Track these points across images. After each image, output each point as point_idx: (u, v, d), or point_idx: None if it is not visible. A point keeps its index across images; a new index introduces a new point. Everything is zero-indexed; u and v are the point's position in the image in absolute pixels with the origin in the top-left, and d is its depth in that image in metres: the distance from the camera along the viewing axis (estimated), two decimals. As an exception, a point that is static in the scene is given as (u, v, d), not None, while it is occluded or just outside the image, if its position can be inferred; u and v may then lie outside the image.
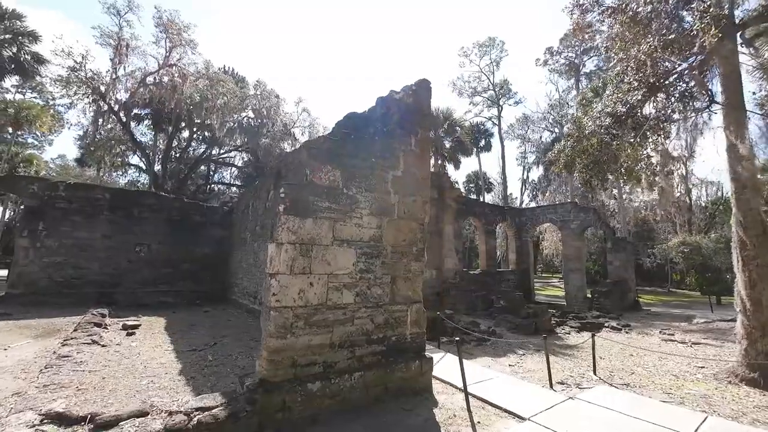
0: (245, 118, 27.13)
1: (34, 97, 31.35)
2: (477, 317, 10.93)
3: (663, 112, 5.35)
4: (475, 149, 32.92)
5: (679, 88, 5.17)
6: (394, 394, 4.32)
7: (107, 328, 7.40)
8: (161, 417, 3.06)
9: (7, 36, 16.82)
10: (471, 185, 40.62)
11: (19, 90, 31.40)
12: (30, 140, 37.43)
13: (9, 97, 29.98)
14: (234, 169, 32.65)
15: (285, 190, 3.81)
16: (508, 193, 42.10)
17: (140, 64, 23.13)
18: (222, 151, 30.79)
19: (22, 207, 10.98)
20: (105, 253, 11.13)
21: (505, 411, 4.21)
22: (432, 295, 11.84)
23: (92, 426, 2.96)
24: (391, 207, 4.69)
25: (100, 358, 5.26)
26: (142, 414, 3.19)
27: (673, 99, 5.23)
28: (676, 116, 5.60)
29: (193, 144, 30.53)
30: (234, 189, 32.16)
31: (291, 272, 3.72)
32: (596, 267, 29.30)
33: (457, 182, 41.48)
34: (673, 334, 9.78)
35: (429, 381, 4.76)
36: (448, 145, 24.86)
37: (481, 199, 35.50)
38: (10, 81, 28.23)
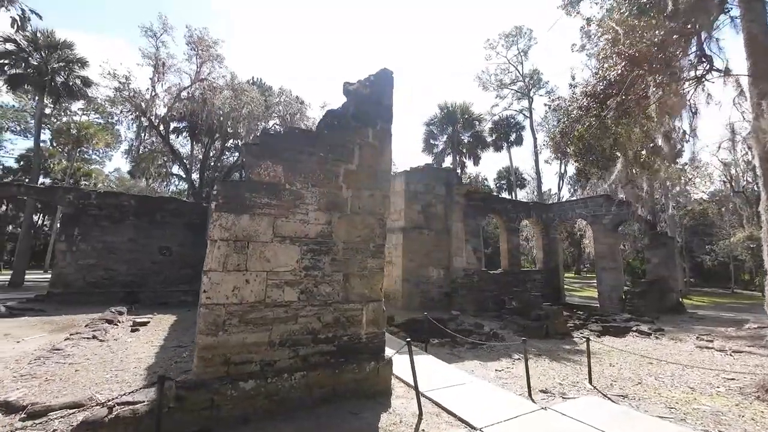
0: (272, 126, 28.24)
1: (96, 118, 35.09)
2: (485, 319, 10.36)
3: (648, 86, 4.63)
4: (505, 144, 31.52)
5: (674, 57, 4.44)
6: (344, 396, 4.15)
7: (117, 325, 7.95)
8: (89, 410, 3.16)
9: (60, 64, 18.89)
10: (502, 181, 38.94)
11: (85, 112, 35.29)
12: (93, 156, 41.78)
13: (76, 118, 33.90)
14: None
15: (218, 188, 3.82)
16: (544, 189, 39.92)
17: (176, 81, 24.93)
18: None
19: (60, 215, 12.19)
20: (131, 256, 12.06)
21: (459, 419, 3.87)
22: (440, 295, 11.45)
23: (25, 415, 3.12)
24: (344, 202, 4.53)
25: (89, 352, 5.63)
26: (76, 406, 3.32)
27: (660, 75, 4.49)
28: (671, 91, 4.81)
29: (226, 153, 32.37)
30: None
31: (224, 269, 3.70)
32: (643, 265, 26.76)
33: (485, 178, 40.06)
34: (711, 341, 8.58)
35: (387, 384, 4.52)
36: (465, 140, 23.97)
37: (513, 196, 33.93)
38: (77, 105, 31.98)
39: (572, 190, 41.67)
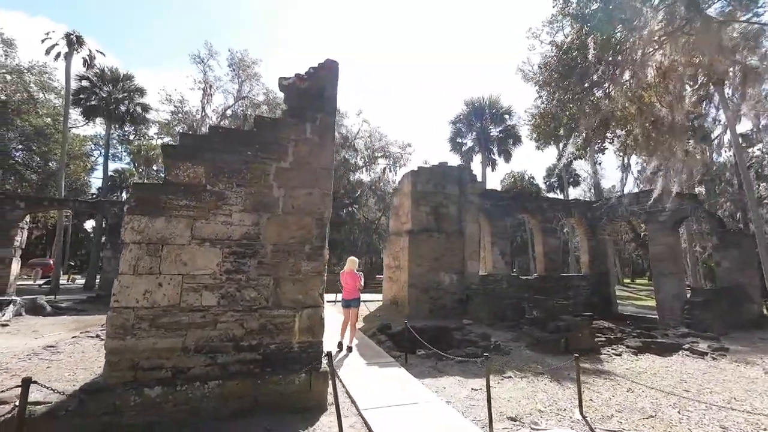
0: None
1: (169, 139, 39.68)
2: (498, 329, 9.34)
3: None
4: (552, 138, 28.99)
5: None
6: (268, 408, 3.86)
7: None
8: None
9: (123, 94, 21.61)
10: (552, 179, 35.86)
11: (159, 136, 40.15)
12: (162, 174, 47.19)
13: (153, 142, 38.69)
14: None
15: (132, 190, 3.82)
16: (606, 186, 36.08)
17: (221, 101, 27.21)
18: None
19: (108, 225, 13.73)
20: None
21: (379, 446, 3.36)
22: (453, 302, 10.66)
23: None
24: (275, 202, 4.30)
25: (80, 349, 6.07)
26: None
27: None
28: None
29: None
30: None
31: (134, 272, 3.67)
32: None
33: (531, 177, 37.19)
34: (790, 367, 6.70)
35: (321, 398, 4.14)
36: (495, 136, 22.37)
37: (565, 195, 31.00)
38: (153, 129, 36.45)
39: (639, 186, 36.95)
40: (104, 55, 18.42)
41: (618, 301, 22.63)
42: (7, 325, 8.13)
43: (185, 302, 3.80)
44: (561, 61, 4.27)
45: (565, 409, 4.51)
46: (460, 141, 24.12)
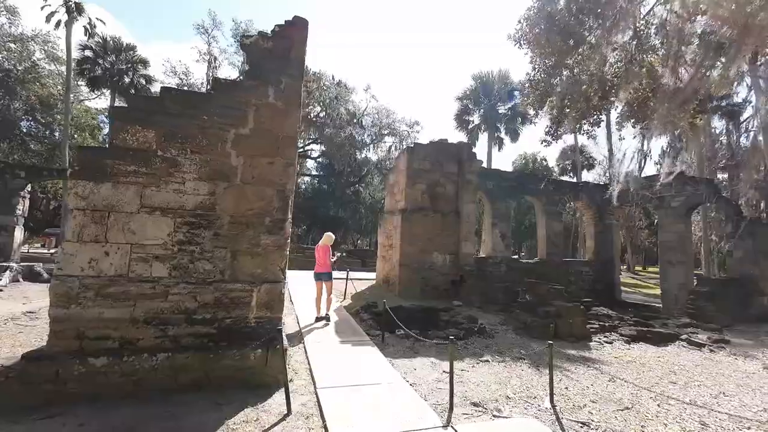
0: (314, 111, 28.74)
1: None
2: (488, 312, 9.12)
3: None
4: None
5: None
6: (221, 383, 3.76)
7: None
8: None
9: (127, 65, 21.37)
10: (567, 162, 34.60)
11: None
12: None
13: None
14: (311, 161, 35.17)
15: (75, 154, 3.61)
16: (625, 170, 34.60)
17: (227, 73, 26.71)
18: (300, 145, 33.51)
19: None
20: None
21: (324, 427, 3.22)
22: (445, 283, 10.44)
23: None
24: (232, 171, 4.05)
25: (60, 316, 6.12)
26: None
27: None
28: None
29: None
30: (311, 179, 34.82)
31: (79, 240, 3.52)
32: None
33: (544, 158, 35.95)
34: (794, 363, 6.31)
35: (279, 375, 4.00)
36: (502, 114, 21.38)
37: (578, 179, 29.91)
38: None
39: (657, 170, 35.33)
40: (104, 23, 18.13)
41: (626, 289, 22.13)
42: (1, 290, 8.32)
43: (134, 272, 3.65)
44: (540, 11, 3.72)
45: (535, 397, 4.30)
46: (466, 118, 23.19)
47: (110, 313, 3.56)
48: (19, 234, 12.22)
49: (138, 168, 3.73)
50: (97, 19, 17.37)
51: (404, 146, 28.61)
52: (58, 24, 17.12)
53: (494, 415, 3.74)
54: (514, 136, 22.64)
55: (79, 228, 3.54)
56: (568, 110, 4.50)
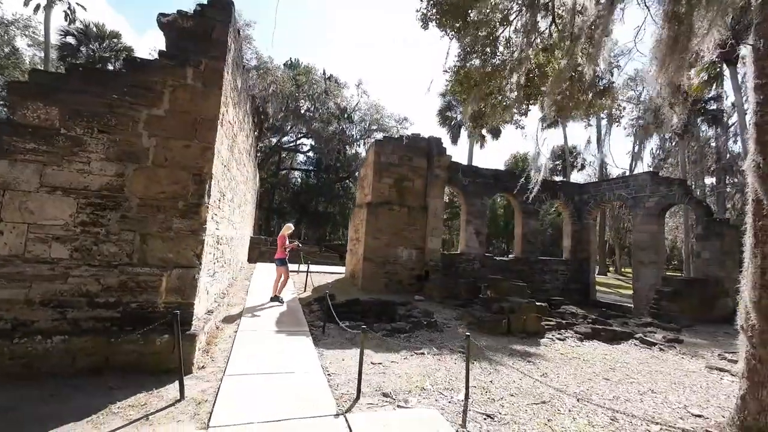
0: (303, 106, 28.53)
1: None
2: (447, 307, 9.07)
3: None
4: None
5: None
6: (123, 368, 3.68)
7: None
8: None
9: (110, 53, 21.12)
10: (557, 162, 34.57)
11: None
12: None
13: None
14: (302, 155, 34.98)
15: (-31, 129, 3.51)
16: (616, 172, 34.73)
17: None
18: (291, 139, 33.28)
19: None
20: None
21: (209, 411, 3.15)
22: (410, 278, 10.39)
23: None
24: (144, 152, 3.95)
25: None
26: None
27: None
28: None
29: (268, 133, 33.80)
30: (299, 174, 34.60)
31: (-30, 218, 3.42)
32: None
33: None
34: (736, 362, 6.27)
35: (188, 362, 3.93)
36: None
37: (567, 179, 29.89)
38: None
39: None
40: (85, 9, 17.83)
41: (606, 290, 22.18)
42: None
43: (31, 253, 3.56)
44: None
45: (452, 389, 4.24)
46: (449, 115, 23.07)
47: (3, 293, 3.47)
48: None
49: (38, 146, 3.62)
50: (77, 4, 17.12)
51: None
52: (37, 8, 16.89)
53: (398, 406, 3.67)
54: (496, 133, 22.56)
55: (-29, 206, 3.44)
56: (483, 105, 4.39)
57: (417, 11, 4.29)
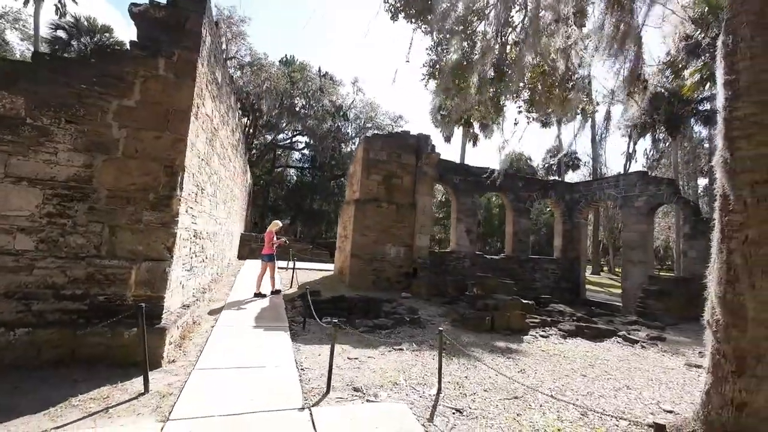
0: (298, 103, 28.41)
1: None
2: (433, 304, 9.07)
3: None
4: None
5: None
6: (90, 361, 3.64)
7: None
8: None
9: (102, 47, 20.91)
10: (552, 162, 34.64)
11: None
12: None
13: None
14: (297, 153, 34.86)
15: (-69, 117, 3.45)
16: (611, 172, 34.92)
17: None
18: (286, 137, 33.17)
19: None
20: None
21: (172, 404, 3.12)
22: (398, 275, 10.37)
23: None
24: (113, 143, 3.90)
25: None
26: None
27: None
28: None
29: (263, 130, 33.64)
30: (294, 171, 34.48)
31: (-69, 207, 3.37)
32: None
33: (528, 157, 35.95)
34: (715, 359, 6.30)
35: (156, 355, 3.89)
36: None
37: (562, 179, 29.96)
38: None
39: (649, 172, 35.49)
40: (76, 2, 17.65)
41: (597, 288, 22.29)
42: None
43: (-6, 244, 3.51)
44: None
45: (425, 384, 4.23)
46: (443, 113, 23.00)
47: (-35, 285, 3.42)
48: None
49: (3, 135, 3.56)
50: (67, -2, 16.97)
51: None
52: (26, 1, 16.73)
53: (368, 400, 3.66)
54: (489, 132, 22.58)
55: (-69, 195, 3.39)
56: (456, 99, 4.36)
57: (385, 2, 4.28)
